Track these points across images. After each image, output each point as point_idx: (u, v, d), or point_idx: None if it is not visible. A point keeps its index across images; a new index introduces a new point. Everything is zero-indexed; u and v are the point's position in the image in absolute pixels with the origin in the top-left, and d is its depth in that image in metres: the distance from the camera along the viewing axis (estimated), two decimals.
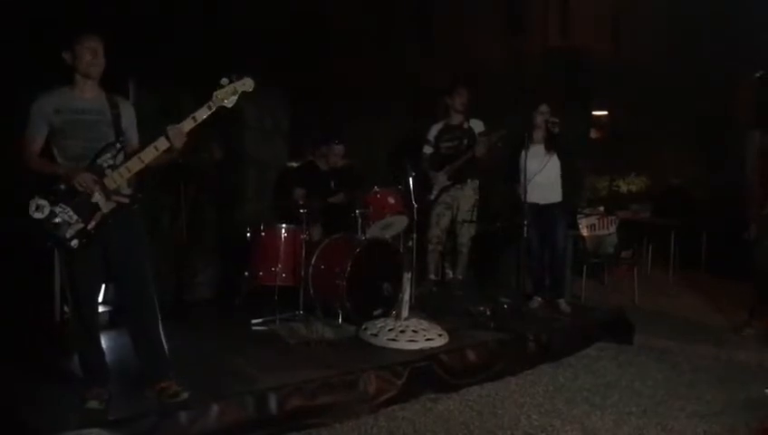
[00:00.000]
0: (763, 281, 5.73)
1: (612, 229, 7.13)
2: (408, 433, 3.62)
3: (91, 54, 3.28)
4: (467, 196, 6.10)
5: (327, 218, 5.60)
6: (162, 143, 3.29)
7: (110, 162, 3.28)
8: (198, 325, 4.95)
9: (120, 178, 3.29)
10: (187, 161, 5.05)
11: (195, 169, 5.50)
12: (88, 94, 3.35)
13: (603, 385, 4.50)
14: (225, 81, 3.39)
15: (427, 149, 6.23)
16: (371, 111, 7.06)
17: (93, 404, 3.26)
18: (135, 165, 3.30)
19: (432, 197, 6.04)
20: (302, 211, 5.00)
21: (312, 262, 5.05)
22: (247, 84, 3.42)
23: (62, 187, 3.18)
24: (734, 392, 4.41)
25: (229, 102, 3.40)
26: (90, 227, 3.23)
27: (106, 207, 3.27)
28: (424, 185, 5.93)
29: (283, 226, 5.12)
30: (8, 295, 4.32)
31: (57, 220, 3.17)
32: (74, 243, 3.19)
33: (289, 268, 5.05)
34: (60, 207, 3.17)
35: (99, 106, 3.36)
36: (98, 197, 3.24)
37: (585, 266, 6.91)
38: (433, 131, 6.22)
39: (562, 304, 5.71)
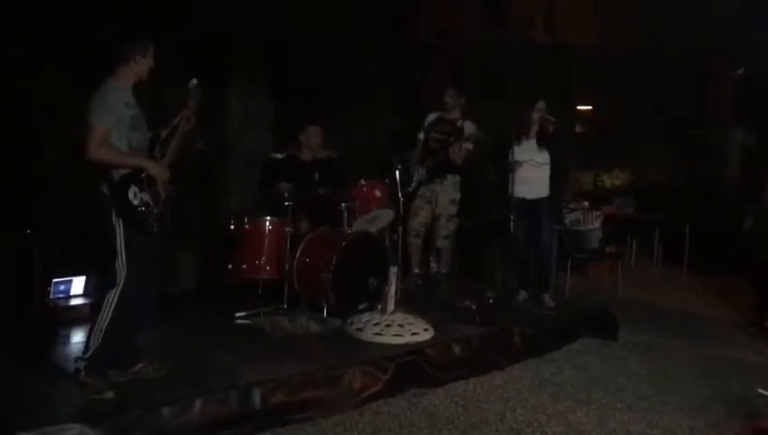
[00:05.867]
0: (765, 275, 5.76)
1: (597, 224, 7.14)
2: (394, 428, 3.59)
3: (152, 63, 3.52)
4: (446, 191, 6.07)
5: (313, 211, 5.53)
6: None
7: (158, 154, 3.55)
8: (181, 318, 4.87)
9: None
10: None
11: (177, 159, 5.42)
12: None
13: (588, 380, 4.51)
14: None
15: (421, 135, 6.19)
16: (355, 103, 7.01)
17: (95, 395, 3.24)
18: (170, 156, 3.58)
19: (410, 189, 6.01)
20: (287, 204, 4.94)
21: (297, 255, 4.98)
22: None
23: (144, 176, 3.39)
24: (717, 388, 4.44)
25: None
26: (159, 213, 3.48)
27: (163, 195, 3.50)
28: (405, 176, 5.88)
29: (268, 218, 5.05)
30: None
31: (145, 207, 3.39)
32: (155, 228, 3.44)
33: (273, 261, 4.99)
34: (145, 194, 3.39)
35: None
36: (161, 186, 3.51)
37: (570, 261, 6.92)
38: (429, 118, 6.19)
39: (547, 298, 5.70)
